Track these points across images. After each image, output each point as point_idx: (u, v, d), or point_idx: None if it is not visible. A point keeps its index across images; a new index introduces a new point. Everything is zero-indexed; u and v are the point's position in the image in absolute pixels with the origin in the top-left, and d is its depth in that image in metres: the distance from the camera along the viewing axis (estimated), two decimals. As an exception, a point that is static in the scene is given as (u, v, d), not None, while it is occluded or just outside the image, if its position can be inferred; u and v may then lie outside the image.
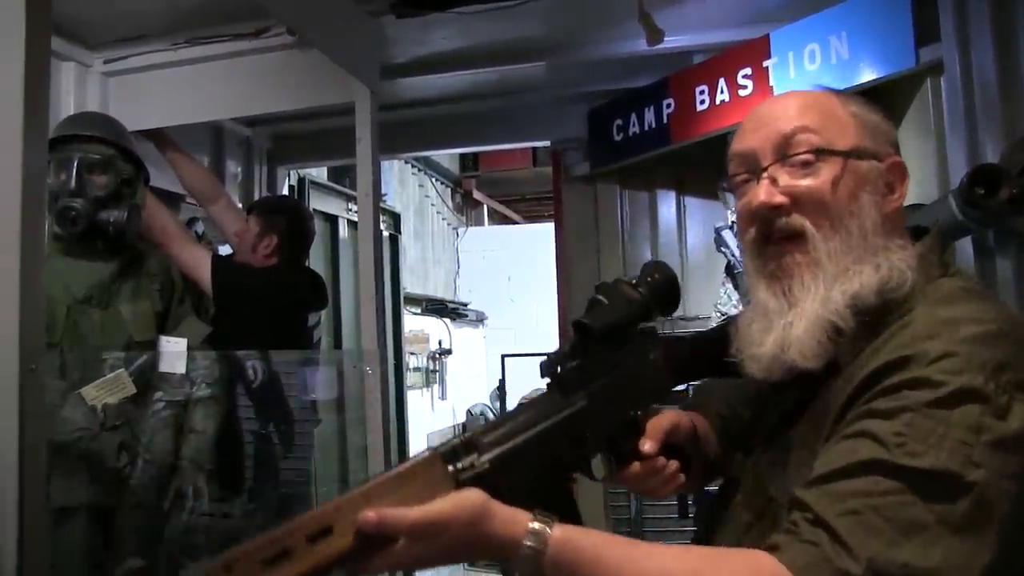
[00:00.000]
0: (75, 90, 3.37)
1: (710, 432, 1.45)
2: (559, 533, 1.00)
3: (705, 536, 1.34)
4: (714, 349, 1.37)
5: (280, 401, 3.52)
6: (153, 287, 2.98)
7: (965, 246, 2.56)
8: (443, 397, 8.27)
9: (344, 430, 5.19)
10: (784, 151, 1.19)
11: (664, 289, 1.30)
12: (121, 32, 3.39)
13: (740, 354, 1.24)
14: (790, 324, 1.16)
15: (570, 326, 1.24)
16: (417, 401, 7.47)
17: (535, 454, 1.13)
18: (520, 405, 1.20)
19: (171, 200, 3.85)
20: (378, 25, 3.31)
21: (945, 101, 2.75)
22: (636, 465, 1.30)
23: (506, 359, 8.44)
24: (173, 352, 2.91)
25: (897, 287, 1.13)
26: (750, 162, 1.23)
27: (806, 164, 1.18)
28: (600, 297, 1.26)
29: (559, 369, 1.21)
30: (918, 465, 0.96)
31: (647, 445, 1.29)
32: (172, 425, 2.90)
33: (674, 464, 1.33)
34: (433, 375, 8.17)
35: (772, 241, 1.20)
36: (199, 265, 3.26)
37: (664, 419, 1.33)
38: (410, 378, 7.25)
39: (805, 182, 1.17)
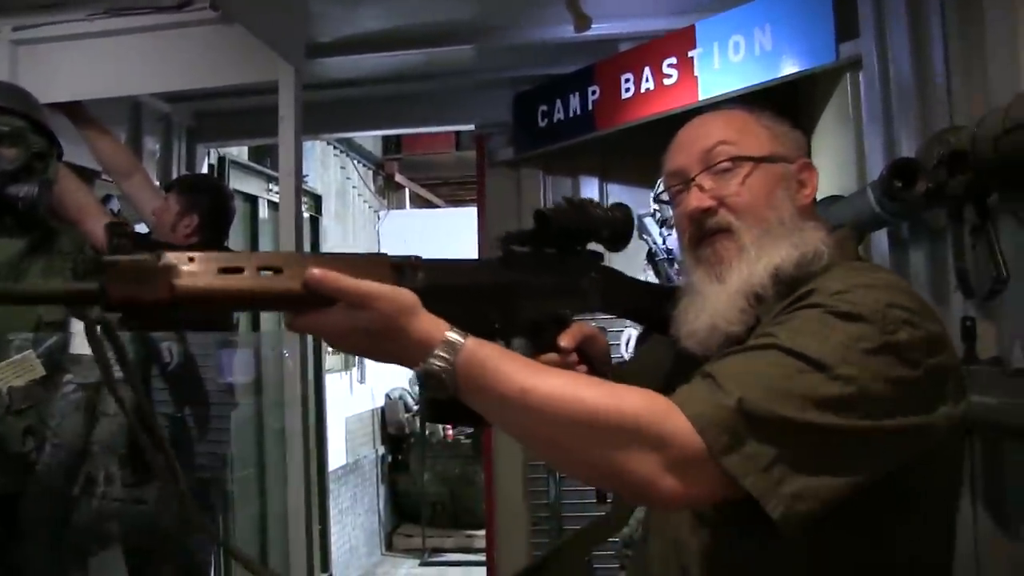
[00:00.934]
0: (-20, 59, 3.23)
1: None
2: (472, 343, 1.12)
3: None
4: (649, 297, 1.57)
5: (196, 384, 3.45)
6: (66, 266, 2.88)
7: (881, 238, 2.62)
8: (362, 381, 8.21)
9: (261, 414, 5.13)
10: (708, 161, 1.39)
11: (619, 221, 1.49)
12: (32, -2, 3.26)
13: (678, 333, 1.39)
14: (718, 298, 1.33)
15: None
16: (336, 384, 7.40)
17: (467, 300, 1.28)
18: (468, 259, 1.37)
19: (86, 176, 3.74)
20: (303, 2, 3.25)
21: (863, 96, 2.81)
22: (552, 355, 1.42)
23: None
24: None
25: (813, 261, 1.30)
26: (682, 175, 1.42)
27: (727, 170, 1.38)
28: (563, 202, 1.45)
29: (511, 246, 1.40)
30: (801, 350, 1.12)
31: (565, 339, 1.43)
32: (83, 408, 2.82)
33: (584, 368, 1.46)
34: (352, 358, 8.09)
35: (705, 237, 1.39)
36: None
37: (585, 327, 1.48)
38: (328, 361, 7.17)
39: (728, 185, 1.37)
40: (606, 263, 1.54)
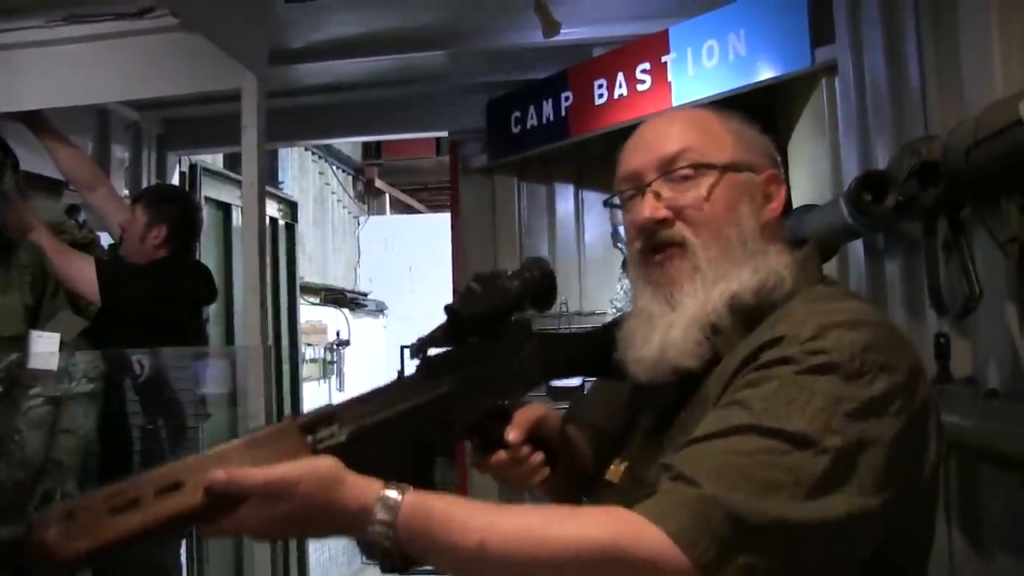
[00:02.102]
0: (-67, 65, 3.14)
1: (584, 443, 1.46)
2: (411, 498, 1.00)
3: None
4: (590, 349, 1.41)
5: (167, 396, 3.41)
6: (23, 279, 2.81)
7: (857, 248, 2.57)
8: (341, 389, 8.13)
9: (236, 425, 5.07)
10: (666, 167, 1.24)
11: (539, 285, 1.33)
12: (-12, 4, 3.17)
13: (624, 358, 1.27)
14: (670, 326, 1.20)
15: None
16: (314, 392, 7.33)
17: (395, 432, 1.15)
18: (386, 385, 1.22)
19: (53, 187, 3.68)
20: (266, 9, 3.18)
21: (839, 102, 2.77)
22: (501, 453, 1.31)
23: (406, 350, 8.35)
24: (44, 349, 2.76)
25: (774, 289, 1.19)
26: (636, 180, 1.28)
27: (686, 178, 1.23)
28: (474, 285, 1.29)
29: (427, 353, 1.25)
30: (780, 426, 1.00)
31: (512, 434, 1.30)
32: (46, 423, 2.76)
33: (539, 456, 1.35)
34: (331, 366, 8.02)
35: (657, 251, 1.25)
36: (82, 277, 3.09)
37: (532, 411, 1.34)
38: (306, 369, 7.10)
39: (686, 195, 1.23)
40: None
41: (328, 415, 1.10)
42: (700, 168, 1.23)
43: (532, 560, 0.98)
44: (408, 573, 1.06)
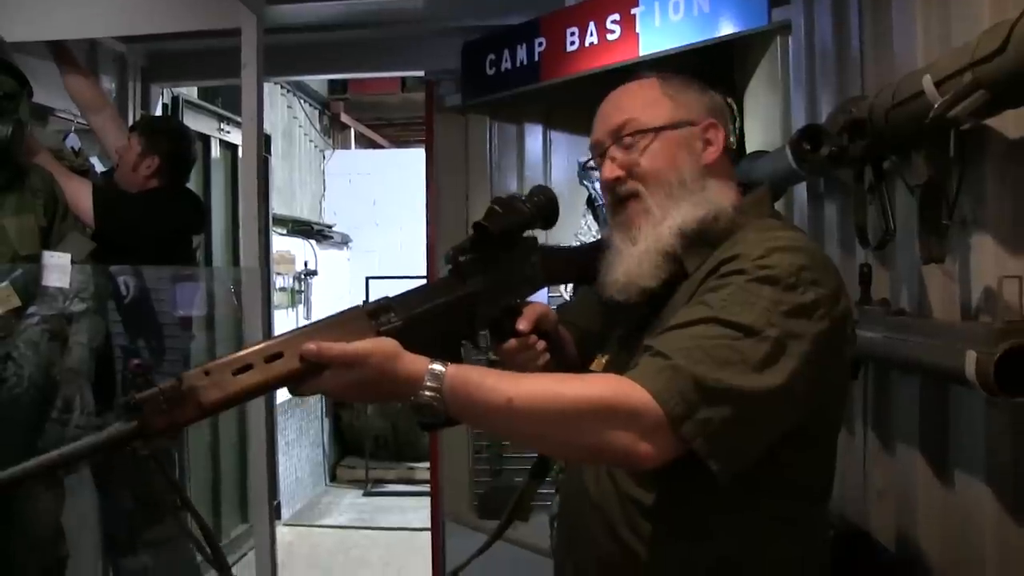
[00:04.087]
0: (-70, -1, 3.24)
1: (571, 340, 1.80)
2: (452, 369, 1.29)
3: None
4: (581, 260, 1.75)
5: (151, 317, 3.59)
6: (37, 202, 2.99)
7: (801, 191, 2.86)
8: (308, 317, 8.34)
9: (214, 349, 5.29)
10: (616, 136, 1.59)
11: (546, 207, 1.68)
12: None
13: (602, 280, 1.61)
14: (629, 257, 1.55)
15: (471, 228, 1.58)
16: (283, 320, 7.55)
17: (436, 320, 1.47)
18: (429, 284, 1.55)
19: (40, 113, 3.83)
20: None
21: (791, 59, 3.01)
22: (513, 341, 1.65)
23: (370, 281, 8.59)
24: (57, 267, 2.95)
25: (716, 218, 1.51)
26: (598, 148, 1.63)
27: (631, 143, 1.57)
28: (496, 207, 1.61)
29: (460, 259, 1.57)
30: (733, 319, 1.32)
31: (522, 324, 1.64)
32: (57, 337, 2.95)
33: (542, 343, 1.68)
34: (299, 295, 8.23)
35: (620, 202, 1.60)
36: (78, 197, 3.30)
37: (537, 307, 1.69)
38: (276, 298, 7.33)
39: (632, 156, 1.57)
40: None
41: (387, 306, 1.42)
42: (639, 133, 1.56)
43: (548, 411, 1.29)
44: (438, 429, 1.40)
